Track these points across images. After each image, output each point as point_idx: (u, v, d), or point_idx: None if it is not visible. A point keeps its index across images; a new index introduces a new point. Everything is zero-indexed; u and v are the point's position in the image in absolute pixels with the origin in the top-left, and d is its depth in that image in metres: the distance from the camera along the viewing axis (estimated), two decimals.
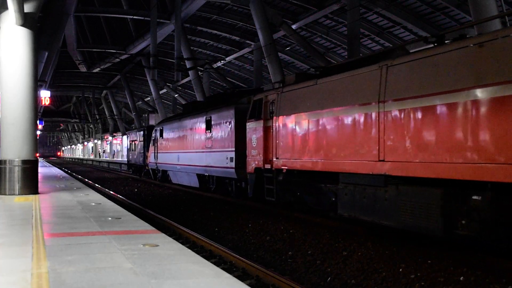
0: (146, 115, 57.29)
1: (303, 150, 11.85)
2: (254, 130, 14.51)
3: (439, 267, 7.69)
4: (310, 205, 12.51)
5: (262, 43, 25.71)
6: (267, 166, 13.62)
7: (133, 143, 36.85)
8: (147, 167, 31.10)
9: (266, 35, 25.07)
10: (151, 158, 29.17)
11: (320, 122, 11.19)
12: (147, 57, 38.52)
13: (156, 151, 27.80)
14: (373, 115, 9.43)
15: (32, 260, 5.82)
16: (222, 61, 39.29)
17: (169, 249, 6.56)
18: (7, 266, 5.61)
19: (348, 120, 10.23)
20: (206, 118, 19.55)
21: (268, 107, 13.75)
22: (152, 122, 47.68)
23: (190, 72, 34.82)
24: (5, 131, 13.77)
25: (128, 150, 39.78)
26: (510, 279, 6.95)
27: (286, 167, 12.68)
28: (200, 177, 20.77)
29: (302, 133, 11.97)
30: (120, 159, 65.60)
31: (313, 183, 11.97)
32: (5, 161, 13.60)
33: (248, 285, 5.91)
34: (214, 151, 18.44)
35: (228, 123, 17.31)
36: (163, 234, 7.83)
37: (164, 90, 49.75)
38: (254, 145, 14.41)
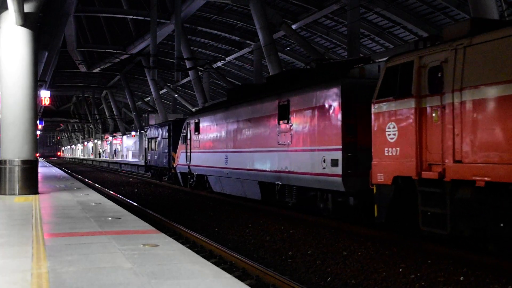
0: (146, 115, 57.27)
1: None
2: (392, 116, 9.43)
3: (439, 267, 7.70)
4: None
5: (262, 43, 25.73)
6: (427, 174, 8.54)
7: (152, 141, 30.91)
8: (173, 171, 25.42)
9: (266, 35, 25.09)
10: (180, 159, 23.14)
11: None
12: (147, 57, 38.56)
13: (188, 151, 21.94)
14: None
15: (32, 260, 5.82)
16: (222, 61, 39.33)
17: (169, 249, 6.56)
18: (7, 266, 5.61)
19: None
20: (279, 102, 14.01)
21: (427, 77, 8.74)
22: (152, 122, 47.57)
23: (190, 72, 34.86)
24: (5, 131, 13.77)
25: (146, 149, 33.76)
26: (510, 279, 6.95)
27: (485, 178, 7.44)
28: (264, 186, 15.22)
29: None
30: (121, 159, 65.73)
31: None
32: (5, 161, 13.60)
33: (248, 285, 5.91)
34: (295, 150, 13.25)
35: (326, 107, 12.02)
36: (163, 234, 7.84)
37: (164, 90, 49.82)
38: (392, 140, 9.41)
